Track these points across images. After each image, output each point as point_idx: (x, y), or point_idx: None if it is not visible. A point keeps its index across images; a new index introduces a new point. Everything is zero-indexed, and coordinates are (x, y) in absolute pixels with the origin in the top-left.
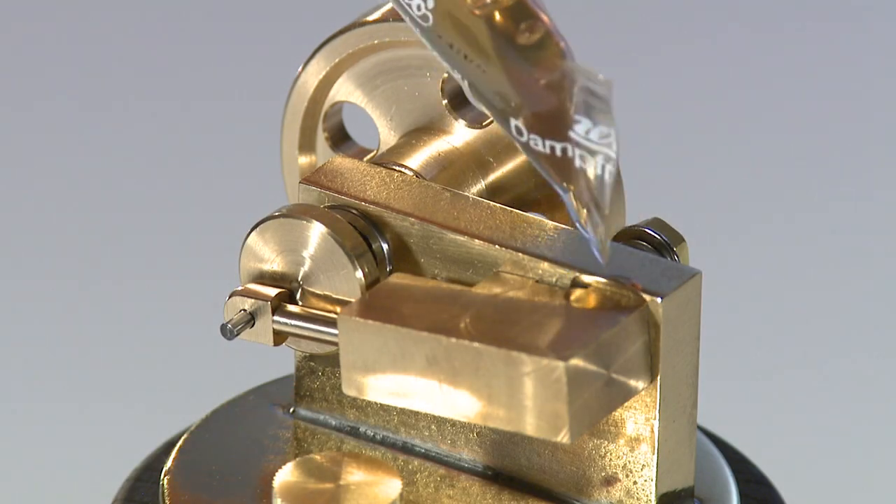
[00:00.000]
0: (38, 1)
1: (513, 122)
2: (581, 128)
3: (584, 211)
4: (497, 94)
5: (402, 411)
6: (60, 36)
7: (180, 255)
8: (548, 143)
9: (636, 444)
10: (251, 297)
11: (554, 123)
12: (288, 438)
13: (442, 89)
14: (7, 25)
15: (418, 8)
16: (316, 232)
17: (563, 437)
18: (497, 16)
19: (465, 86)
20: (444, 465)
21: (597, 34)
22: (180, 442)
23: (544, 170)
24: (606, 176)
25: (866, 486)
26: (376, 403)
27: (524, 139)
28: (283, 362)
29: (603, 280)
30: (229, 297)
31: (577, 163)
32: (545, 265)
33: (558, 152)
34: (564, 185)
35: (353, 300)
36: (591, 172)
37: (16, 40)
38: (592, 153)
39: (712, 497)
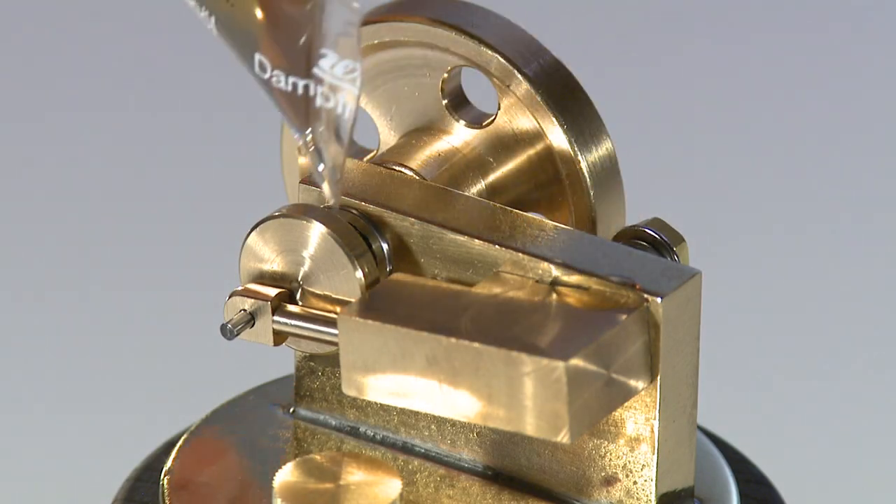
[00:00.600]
0: (39, 1)
1: (257, 57)
2: (326, 62)
3: (314, 153)
4: (243, 30)
5: (402, 411)
6: (61, 37)
7: (180, 254)
8: (290, 79)
9: (636, 444)
10: (251, 297)
11: (299, 58)
12: (288, 438)
13: (442, 89)
14: (7, 25)
15: None
16: (316, 232)
17: (563, 437)
18: None
19: (211, 22)
20: (444, 465)
21: (597, 34)
22: (180, 442)
23: (283, 110)
24: (347, 114)
25: (866, 486)
26: (376, 403)
27: (267, 76)
28: (283, 362)
29: (603, 280)
30: (229, 297)
31: (318, 101)
32: (545, 265)
33: (300, 90)
34: (302, 126)
35: (353, 300)
36: (331, 111)
37: (16, 41)
38: (335, 90)
39: (712, 497)
